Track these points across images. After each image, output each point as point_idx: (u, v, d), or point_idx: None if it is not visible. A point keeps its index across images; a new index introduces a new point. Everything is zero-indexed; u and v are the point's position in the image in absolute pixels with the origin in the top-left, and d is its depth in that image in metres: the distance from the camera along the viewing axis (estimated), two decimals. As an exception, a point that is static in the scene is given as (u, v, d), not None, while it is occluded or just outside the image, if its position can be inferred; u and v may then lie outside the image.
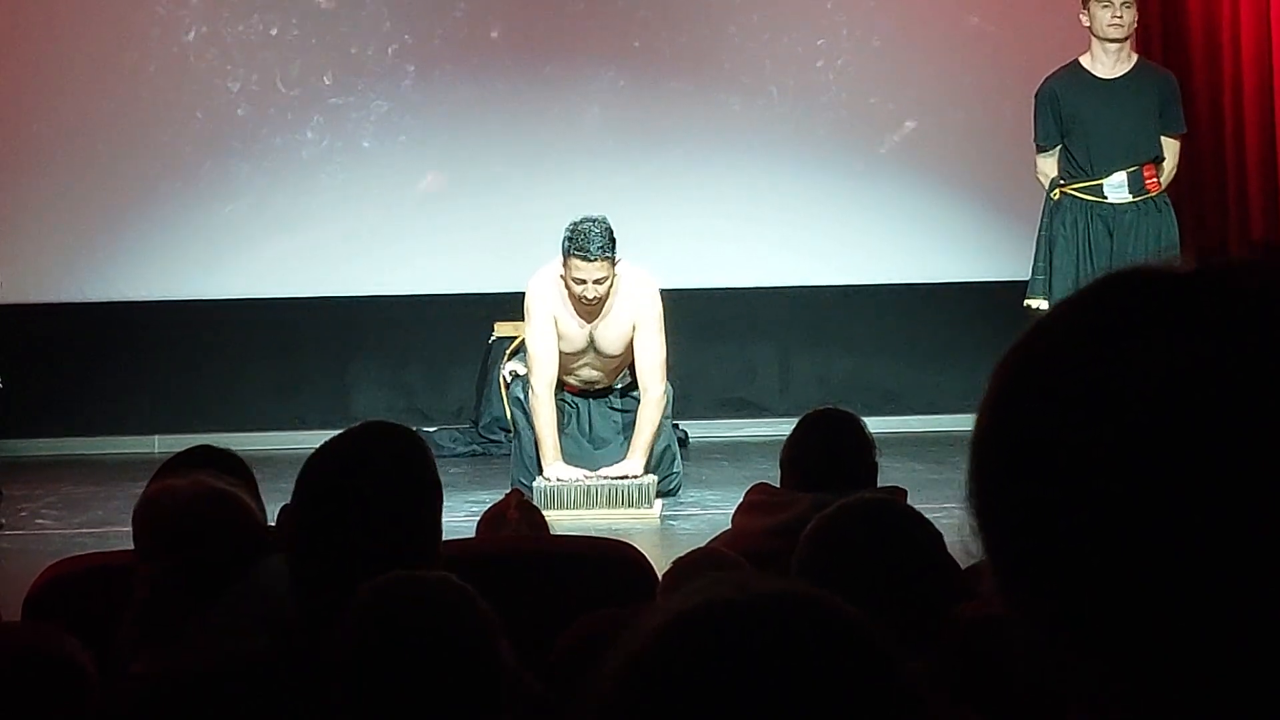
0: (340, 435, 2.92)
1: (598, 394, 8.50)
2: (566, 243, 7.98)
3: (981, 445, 0.95)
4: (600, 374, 8.37)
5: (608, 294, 8.05)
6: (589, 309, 8.08)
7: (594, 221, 7.98)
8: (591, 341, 8.19)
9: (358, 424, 2.97)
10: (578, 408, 8.50)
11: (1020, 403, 0.93)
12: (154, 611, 3.15)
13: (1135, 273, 0.94)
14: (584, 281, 7.94)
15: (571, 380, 8.38)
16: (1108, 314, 0.92)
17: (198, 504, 3.22)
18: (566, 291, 8.08)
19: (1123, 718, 0.91)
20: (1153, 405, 0.87)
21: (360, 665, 2.37)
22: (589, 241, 7.91)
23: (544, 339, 8.14)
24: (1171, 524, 0.87)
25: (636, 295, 8.12)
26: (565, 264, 7.99)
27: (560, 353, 8.17)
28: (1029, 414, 0.92)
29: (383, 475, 2.83)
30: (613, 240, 7.98)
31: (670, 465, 8.48)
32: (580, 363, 8.30)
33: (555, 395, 8.23)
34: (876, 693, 1.14)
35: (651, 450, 8.22)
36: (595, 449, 8.40)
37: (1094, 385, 0.89)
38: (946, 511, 7.45)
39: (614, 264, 7.99)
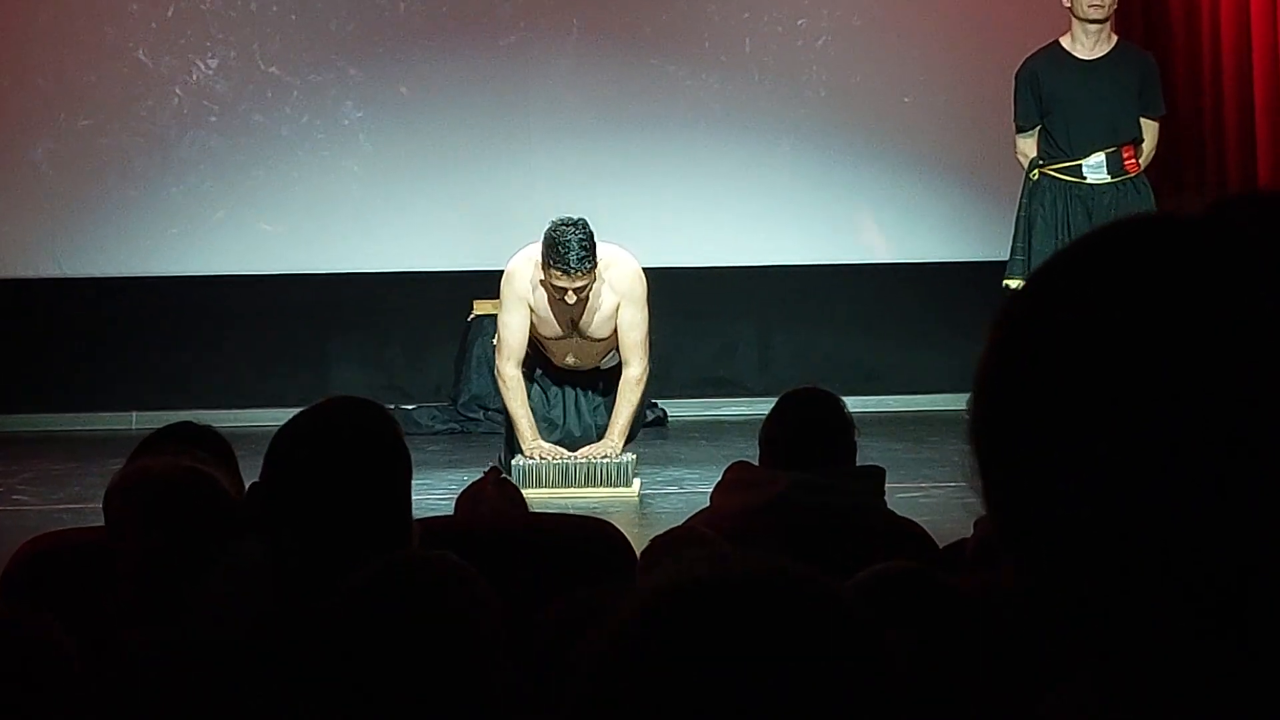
0: (306, 411, 2.92)
1: (583, 383, 8.36)
2: (546, 250, 7.74)
3: (985, 382, 0.94)
4: (583, 359, 8.24)
5: (588, 296, 7.92)
6: (571, 308, 7.95)
7: (573, 228, 7.72)
8: (575, 327, 8.10)
9: (322, 399, 2.97)
10: (563, 402, 8.41)
11: (1026, 341, 0.93)
12: (139, 589, 3.14)
13: (1146, 219, 0.94)
14: (564, 290, 7.81)
15: (553, 361, 8.26)
16: (1118, 257, 0.92)
17: (171, 483, 3.21)
18: (544, 287, 7.92)
19: (1117, 680, 0.90)
20: (1162, 349, 0.87)
21: (358, 648, 2.36)
22: (569, 253, 7.67)
23: (516, 328, 7.97)
24: (1178, 469, 0.86)
25: (620, 277, 8.00)
26: (545, 271, 7.78)
27: (541, 336, 8.07)
28: (1034, 352, 0.92)
29: (350, 448, 2.83)
30: (593, 247, 7.75)
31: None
32: (563, 347, 8.16)
33: (541, 385, 8.20)
34: (857, 667, 1.14)
35: (631, 430, 8.21)
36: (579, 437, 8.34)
37: (1101, 330, 0.89)
38: (924, 491, 7.50)
39: (594, 266, 7.78)
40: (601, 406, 8.29)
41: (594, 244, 7.76)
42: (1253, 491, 0.86)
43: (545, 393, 8.31)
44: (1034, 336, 0.92)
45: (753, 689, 1.11)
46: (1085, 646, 0.91)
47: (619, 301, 7.98)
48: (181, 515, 3.18)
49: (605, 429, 8.16)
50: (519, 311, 7.95)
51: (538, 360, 8.20)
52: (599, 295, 7.94)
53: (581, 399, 8.35)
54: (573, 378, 8.31)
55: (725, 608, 1.14)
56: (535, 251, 7.91)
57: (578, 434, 8.28)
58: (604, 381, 8.28)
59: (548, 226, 7.78)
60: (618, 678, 1.13)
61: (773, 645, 1.13)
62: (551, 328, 8.03)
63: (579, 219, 7.77)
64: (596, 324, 8.03)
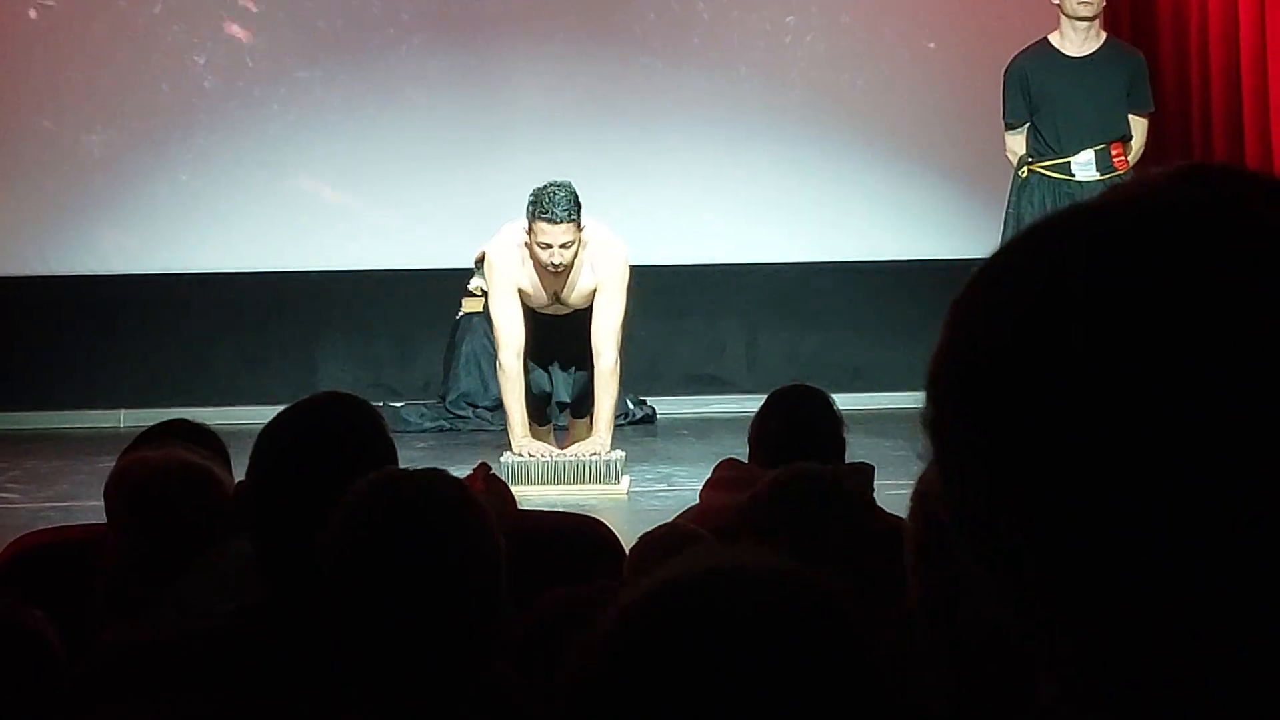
0: (290, 408, 2.91)
1: (563, 357, 8.39)
2: (531, 206, 7.86)
3: (941, 359, 0.93)
4: (567, 310, 8.27)
5: (574, 259, 7.99)
6: (555, 276, 8.02)
7: (559, 185, 7.87)
8: (557, 299, 8.15)
9: (305, 397, 2.97)
10: (549, 376, 8.46)
11: (981, 319, 0.91)
12: (122, 583, 3.14)
13: (1096, 203, 0.93)
14: (549, 246, 7.83)
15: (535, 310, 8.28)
16: (1070, 241, 0.91)
17: (171, 475, 3.21)
18: (530, 256, 7.99)
19: (1082, 677, 0.89)
20: (1116, 333, 0.86)
21: (356, 564, 2.35)
22: (554, 205, 7.80)
23: (509, 311, 8.05)
24: (1138, 457, 0.85)
25: (603, 261, 8.04)
26: (530, 229, 7.87)
27: (528, 306, 8.13)
28: (988, 331, 0.91)
29: (334, 444, 2.82)
30: (578, 204, 7.88)
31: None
32: (546, 310, 8.22)
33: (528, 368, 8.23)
34: (847, 665, 1.14)
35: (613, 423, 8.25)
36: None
37: (1054, 316, 0.88)
38: (913, 488, 7.49)
39: (580, 228, 7.90)
40: (586, 376, 8.33)
41: (579, 201, 7.88)
42: (1209, 475, 0.84)
43: (529, 375, 8.33)
44: (986, 325, 0.91)
45: (745, 684, 1.11)
46: (1050, 643, 0.90)
47: (597, 284, 8.01)
48: (180, 507, 3.17)
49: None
50: (509, 296, 8.02)
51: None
52: (580, 271, 7.99)
53: (560, 370, 8.43)
54: (554, 351, 8.32)
55: (718, 604, 1.14)
56: (515, 232, 8.01)
57: (568, 396, 8.41)
58: (584, 344, 8.27)
59: (533, 190, 7.92)
60: (612, 673, 1.13)
61: (765, 641, 1.13)
62: (534, 300, 8.12)
63: (564, 179, 7.93)
64: (578, 298, 8.13)
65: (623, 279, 8.05)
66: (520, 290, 8.06)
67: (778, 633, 1.13)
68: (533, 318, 8.18)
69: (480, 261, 8.34)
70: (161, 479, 3.20)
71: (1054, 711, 0.91)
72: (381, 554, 2.33)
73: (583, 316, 8.18)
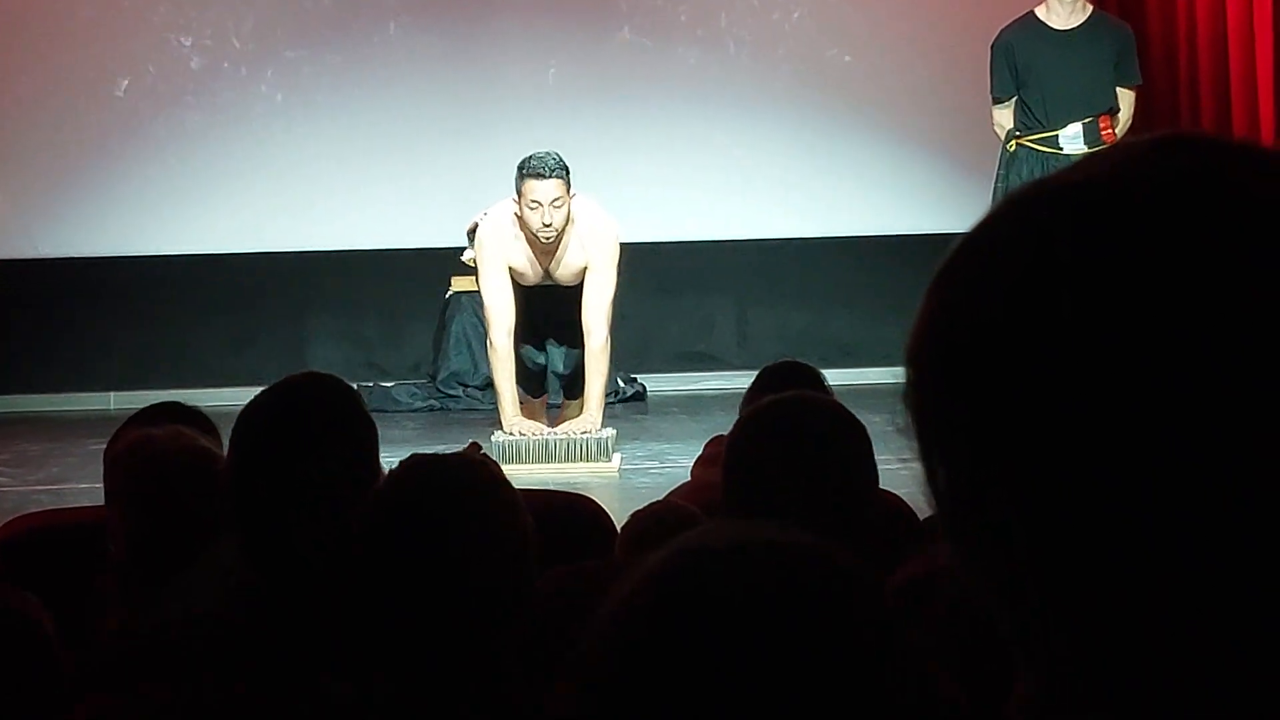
0: (267, 390, 2.91)
1: (556, 334, 8.40)
2: (520, 170, 7.89)
3: (922, 333, 0.91)
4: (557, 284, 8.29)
5: (565, 225, 7.94)
6: (546, 248, 7.99)
7: (546, 151, 7.95)
8: (548, 276, 8.15)
9: (281, 378, 2.96)
10: (544, 353, 8.49)
11: (964, 291, 0.90)
12: (130, 571, 3.13)
13: (1073, 172, 0.92)
14: (539, 205, 7.82)
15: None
16: (1051, 212, 0.89)
17: (180, 458, 3.19)
18: (521, 231, 7.98)
19: (1063, 671, 0.88)
20: (1099, 307, 0.85)
21: (386, 551, 2.34)
22: (542, 162, 7.84)
23: (499, 289, 8.04)
24: (1128, 442, 0.84)
25: (593, 232, 8.03)
26: (520, 192, 7.87)
27: (518, 283, 8.13)
28: (972, 303, 0.89)
29: (313, 424, 2.82)
30: (565, 166, 7.90)
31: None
32: (535, 287, 8.24)
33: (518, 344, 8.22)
34: (863, 637, 1.14)
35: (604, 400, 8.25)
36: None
37: (1034, 290, 0.87)
38: (904, 464, 7.51)
39: (569, 187, 7.90)
40: (579, 354, 8.32)
41: (566, 166, 7.91)
42: (1200, 447, 0.83)
43: (522, 350, 8.33)
44: (970, 297, 0.90)
45: (761, 652, 1.11)
46: (1035, 631, 0.88)
47: (587, 261, 8.01)
48: (185, 490, 3.15)
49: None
50: (500, 273, 8.02)
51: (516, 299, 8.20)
52: (569, 248, 7.99)
53: (555, 345, 8.44)
54: (548, 326, 8.32)
55: (740, 575, 1.14)
56: (503, 210, 8.03)
57: (563, 369, 8.43)
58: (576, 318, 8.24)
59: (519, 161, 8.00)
60: (634, 645, 1.13)
61: (782, 609, 1.13)
62: (525, 279, 8.12)
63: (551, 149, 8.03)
64: (568, 276, 8.12)
65: (613, 256, 8.04)
66: (511, 268, 8.05)
67: (805, 606, 1.13)
68: (524, 293, 8.17)
69: (472, 232, 8.33)
70: (168, 460, 3.18)
71: (1029, 710, 0.89)
72: (413, 541, 2.31)
73: (574, 291, 8.18)
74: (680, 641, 1.12)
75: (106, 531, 3.24)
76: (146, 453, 3.23)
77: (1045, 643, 0.88)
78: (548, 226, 7.85)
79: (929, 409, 0.91)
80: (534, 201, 7.83)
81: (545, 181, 7.82)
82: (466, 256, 8.57)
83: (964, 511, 0.90)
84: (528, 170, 7.86)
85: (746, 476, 2.83)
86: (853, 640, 1.13)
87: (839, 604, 1.14)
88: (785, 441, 2.86)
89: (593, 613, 1.15)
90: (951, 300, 0.91)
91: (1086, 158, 0.93)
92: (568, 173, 7.90)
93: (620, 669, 1.13)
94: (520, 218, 7.92)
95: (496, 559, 2.33)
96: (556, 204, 7.84)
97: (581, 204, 8.01)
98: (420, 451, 2.50)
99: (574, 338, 8.26)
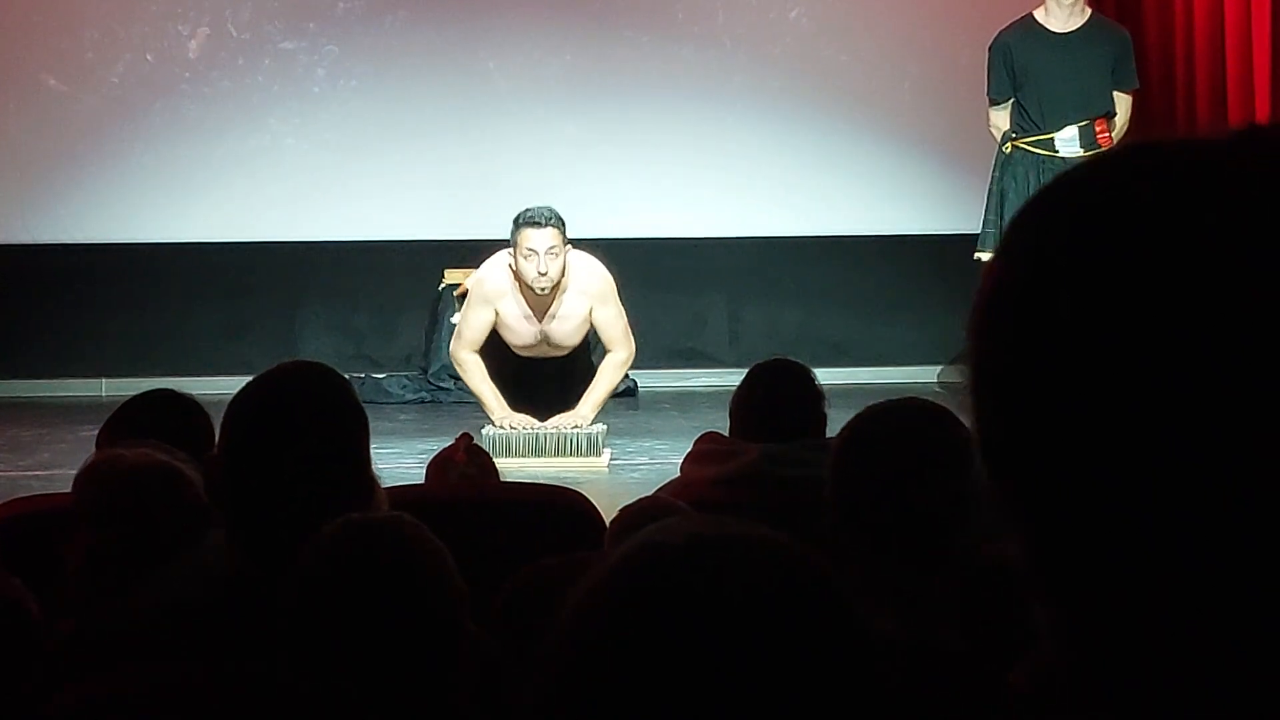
0: (258, 378, 2.91)
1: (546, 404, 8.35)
2: (515, 221, 7.93)
3: (989, 297, 0.91)
4: (551, 357, 8.28)
5: (560, 278, 7.95)
6: (541, 302, 8.00)
7: (541, 204, 7.99)
8: (545, 337, 8.14)
9: (272, 366, 2.96)
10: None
11: (1038, 255, 0.89)
12: (89, 579, 3.12)
13: (1169, 142, 0.91)
14: (535, 253, 7.84)
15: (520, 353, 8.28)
16: (1142, 176, 0.89)
17: (140, 477, 3.19)
18: (517, 284, 7.97)
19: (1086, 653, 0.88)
20: (1176, 275, 0.85)
21: (315, 610, 2.36)
22: (538, 213, 7.89)
23: (478, 324, 8.06)
24: (1192, 427, 0.84)
25: (589, 281, 8.06)
26: (516, 243, 7.89)
27: (510, 345, 8.14)
28: (1043, 269, 0.89)
29: (303, 412, 2.82)
30: (561, 218, 7.93)
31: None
32: (532, 354, 8.22)
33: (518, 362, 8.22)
34: (824, 632, 1.15)
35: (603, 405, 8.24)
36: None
37: (1122, 252, 0.86)
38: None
39: (565, 237, 7.92)
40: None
41: (562, 218, 7.93)
42: (1198, 459, 0.83)
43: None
44: (1033, 278, 0.89)
45: (725, 650, 1.12)
46: (1074, 619, 0.88)
47: (590, 306, 8.03)
48: (148, 510, 3.15)
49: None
50: (484, 312, 8.07)
51: (507, 369, 8.18)
52: (566, 303, 8.00)
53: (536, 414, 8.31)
54: (533, 397, 8.27)
55: (698, 569, 1.15)
56: (505, 258, 8.03)
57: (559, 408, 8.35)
58: (564, 389, 8.24)
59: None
60: (592, 639, 1.14)
61: (745, 606, 1.13)
62: (520, 337, 8.11)
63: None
64: (566, 333, 8.12)
65: (613, 290, 8.11)
66: (506, 326, 8.05)
67: (766, 599, 1.14)
68: (517, 363, 8.19)
69: (463, 296, 8.39)
70: (130, 480, 3.18)
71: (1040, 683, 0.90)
72: (345, 604, 2.35)
73: (568, 364, 8.20)
74: (638, 634, 1.12)
75: (69, 541, 3.23)
76: (106, 471, 3.23)
77: (1055, 631, 0.89)
78: (543, 275, 7.86)
79: (976, 403, 0.92)
80: (529, 250, 7.86)
81: (541, 230, 7.85)
82: (454, 319, 8.64)
83: (1007, 454, 0.90)
84: (523, 220, 7.91)
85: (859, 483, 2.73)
86: (810, 631, 1.14)
87: (797, 595, 1.15)
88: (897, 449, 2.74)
89: (560, 607, 1.16)
90: (982, 307, 0.92)
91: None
92: (563, 224, 7.94)
93: (580, 662, 1.13)
94: (516, 270, 7.93)
95: (425, 623, 2.36)
96: (552, 253, 7.86)
97: (576, 257, 8.04)
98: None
99: (562, 407, 8.21)
